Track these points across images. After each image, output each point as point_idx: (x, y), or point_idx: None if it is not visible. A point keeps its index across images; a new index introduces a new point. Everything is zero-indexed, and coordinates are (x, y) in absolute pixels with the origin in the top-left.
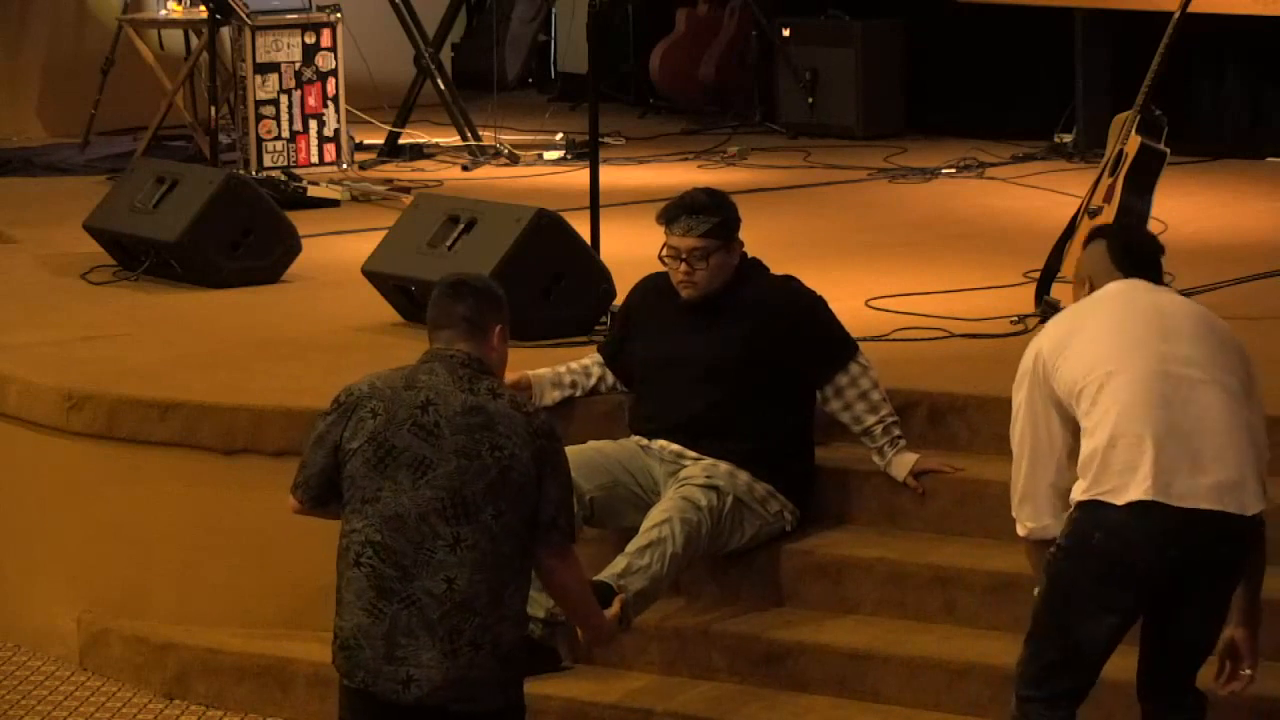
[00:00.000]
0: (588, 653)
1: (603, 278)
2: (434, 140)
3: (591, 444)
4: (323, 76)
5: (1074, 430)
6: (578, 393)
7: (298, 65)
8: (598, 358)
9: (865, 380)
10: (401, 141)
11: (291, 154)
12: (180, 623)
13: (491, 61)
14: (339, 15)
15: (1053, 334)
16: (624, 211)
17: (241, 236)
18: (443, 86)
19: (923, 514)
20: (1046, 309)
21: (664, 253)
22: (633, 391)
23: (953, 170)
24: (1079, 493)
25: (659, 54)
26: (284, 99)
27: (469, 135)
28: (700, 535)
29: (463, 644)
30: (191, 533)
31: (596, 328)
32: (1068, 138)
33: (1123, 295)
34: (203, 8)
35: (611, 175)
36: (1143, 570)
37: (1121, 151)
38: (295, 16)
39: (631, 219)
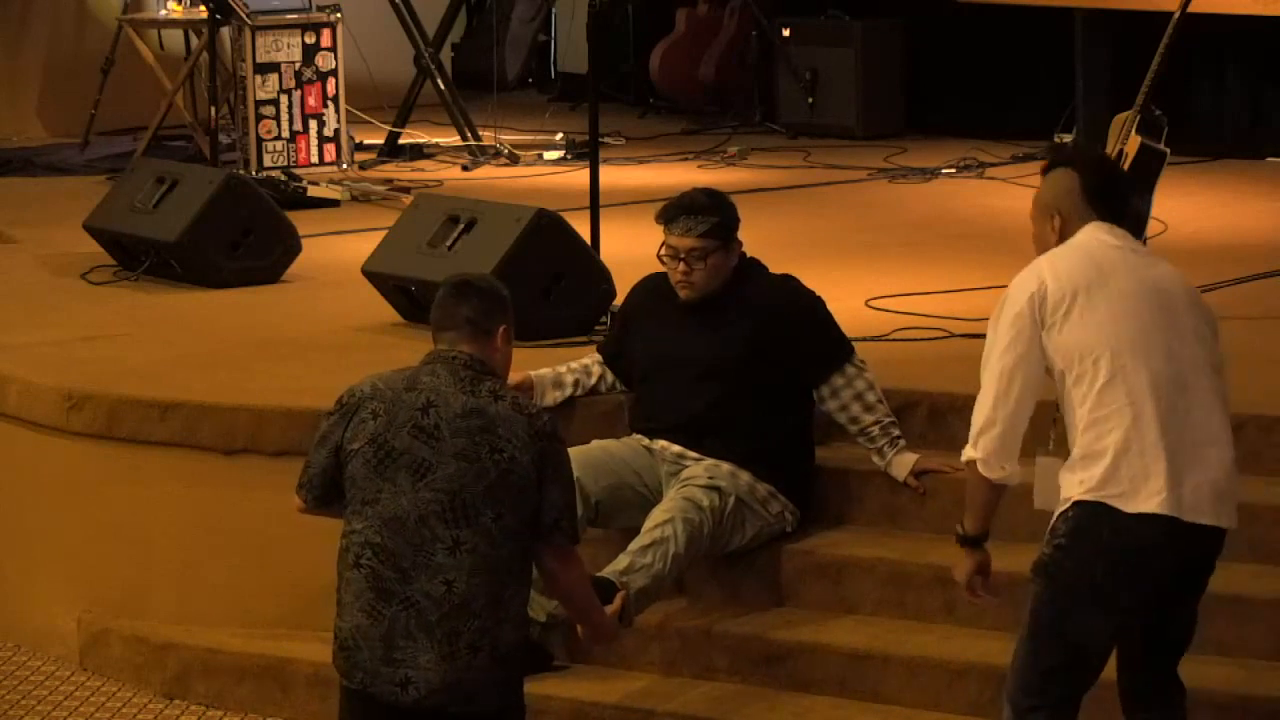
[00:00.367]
0: (588, 653)
1: (603, 278)
2: (434, 140)
3: (597, 443)
4: (323, 76)
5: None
6: (578, 392)
7: (298, 65)
8: (598, 357)
9: (860, 381)
10: (401, 141)
11: (291, 154)
12: (180, 623)
13: (491, 61)
14: (339, 15)
15: (1053, 286)
16: (624, 211)
17: (241, 236)
18: (443, 86)
19: (923, 514)
20: None
21: (662, 253)
22: (633, 391)
23: (953, 170)
24: (1079, 489)
25: (659, 54)
26: (284, 99)
27: (469, 135)
28: (702, 535)
29: (461, 646)
30: (191, 533)
31: (596, 328)
32: (1068, 138)
33: (1125, 268)
34: (203, 8)
35: (611, 175)
36: (1154, 574)
37: (1121, 151)
38: (295, 16)
39: (631, 219)
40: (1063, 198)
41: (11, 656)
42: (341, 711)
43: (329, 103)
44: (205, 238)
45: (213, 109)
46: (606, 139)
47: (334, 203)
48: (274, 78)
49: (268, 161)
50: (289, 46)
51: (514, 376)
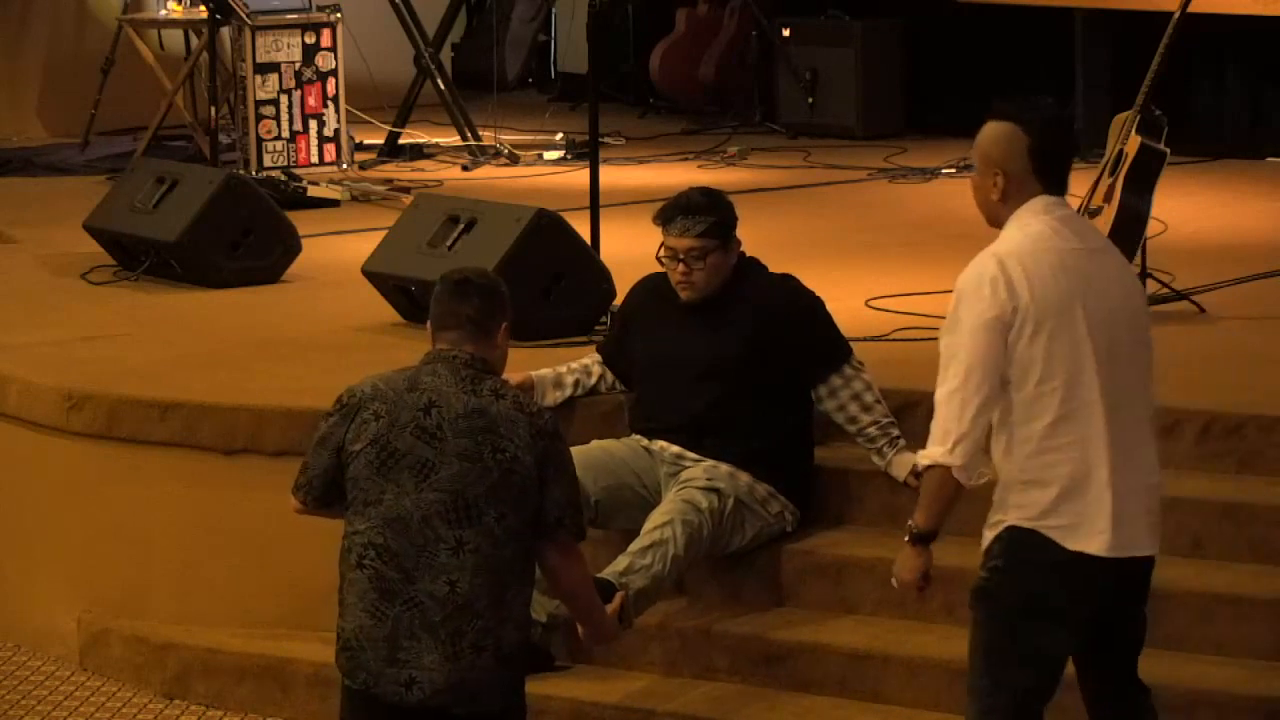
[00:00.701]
0: (589, 653)
1: (603, 278)
2: (434, 140)
3: (597, 443)
4: (323, 76)
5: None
6: (578, 392)
7: (298, 65)
8: (597, 357)
9: (858, 382)
10: (401, 141)
11: (291, 154)
12: (180, 623)
13: (491, 61)
14: (339, 15)
15: (1026, 300)
16: (624, 211)
17: (241, 236)
18: (443, 86)
19: None
20: None
21: (661, 254)
22: (633, 391)
23: (953, 170)
24: (1016, 513)
25: (659, 54)
26: (284, 99)
27: (469, 135)
28: (701, 537)
29: (465, 646)
30: (191, 533)
31: (596, 328)
32: None
33: (1093, 288)
34: (203, 8)
35: (611, 175)
36: (1090, 598)
37: (1121, 151)
38: (295, 16)
39: (631, 219)
40: (1009, 158)
41: (11, 656)
42: (343, 711)
43: (329, 103)
44: (205, 238)
45: (213, 109)
46: (606, 139)
47: (334, 203)
48: (274, 78)
49: (268, 161)
50: (289, 46)
51: (514, 377)
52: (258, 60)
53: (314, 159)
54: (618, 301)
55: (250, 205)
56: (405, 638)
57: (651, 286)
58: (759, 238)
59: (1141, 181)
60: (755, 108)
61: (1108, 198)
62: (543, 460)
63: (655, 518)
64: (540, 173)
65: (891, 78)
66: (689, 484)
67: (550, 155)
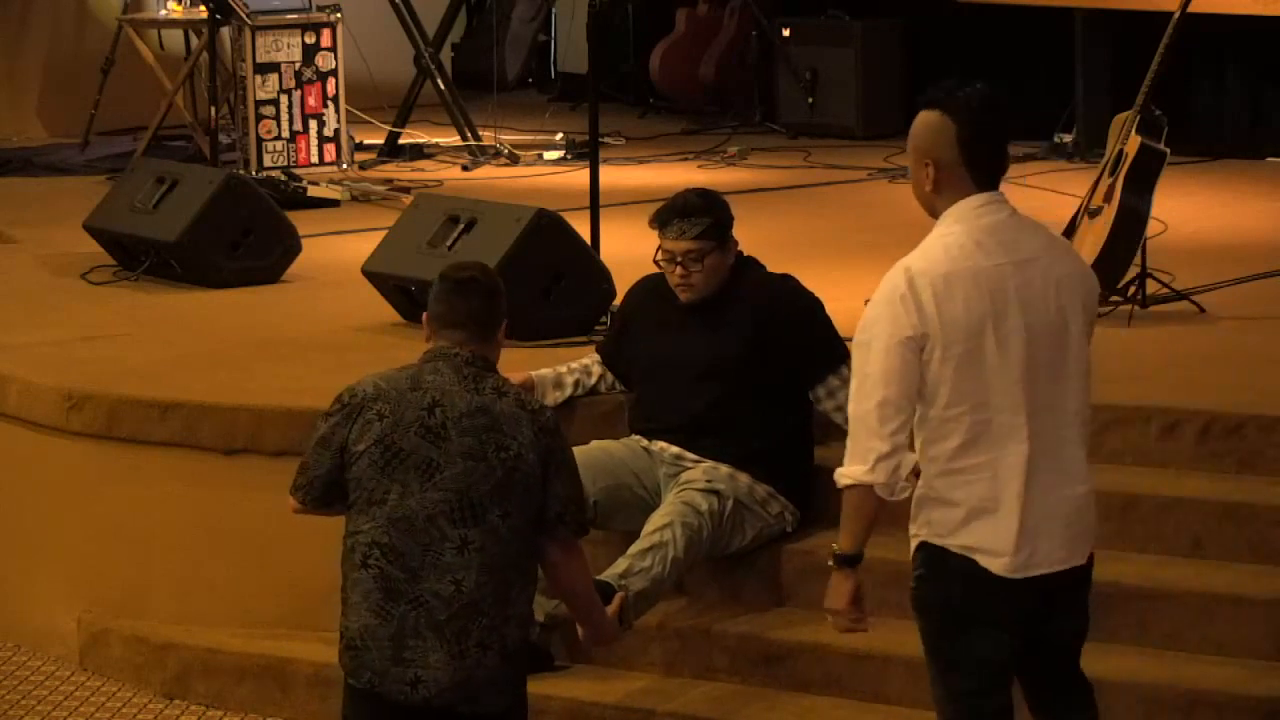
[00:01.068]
0: (588, 653)
1: (603, 278)
2: (434, 140)
3: (596, 444)
4: (323, 76)
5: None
6: (578, 392)
7: (298, 65)
8: (597, 357)
9: None
10: (401, 141)
11: (291, 154)
12: (180, 623)
13: (491, 61)
14: (339, 15)
15: (937, 325)
16: (624, 211)
17: (241, 236)
18: (443, 86)
19: None
20: None
21: (659, 256)
22: (632, 392)
23: None
24: (926, 530)
25: (659, 54)
26: (284, 99)
27: (469, 135)
28: (701, 539)
29: (470, 645)
30: (191, 533)
31: (596, 328)
32: (1068, 138)
33: (1017, 300)
34: (203, 8)
35: (611, 175)
36: (1010, 605)
37: (1121, 151)
38: (295, 16)
39: (631, 219)
40: (938, 148)
41: (11, 656)
42: (346, 710)
43: (329, 103)
44: (205, 238)
45: (213, 109)
46: (606, 139)
47: (334, 203)
48: (274, 78)
49: (268, 161)
50: (289, 46)
51: (515, 377)
52: (258, 60)
53: (314, 159)
54: (617, 301)
55: (250, 205)
56: (411, 637)
57: (650, 287)
58: (759, 238)
59: (1141, 181)
60: (755, 108)
61: (1108, 198)
62: (545, 458)
63: (655, 520)
64: (540, 173)
65: (891, 78)
66: (689, 485)
67: (550, 155)
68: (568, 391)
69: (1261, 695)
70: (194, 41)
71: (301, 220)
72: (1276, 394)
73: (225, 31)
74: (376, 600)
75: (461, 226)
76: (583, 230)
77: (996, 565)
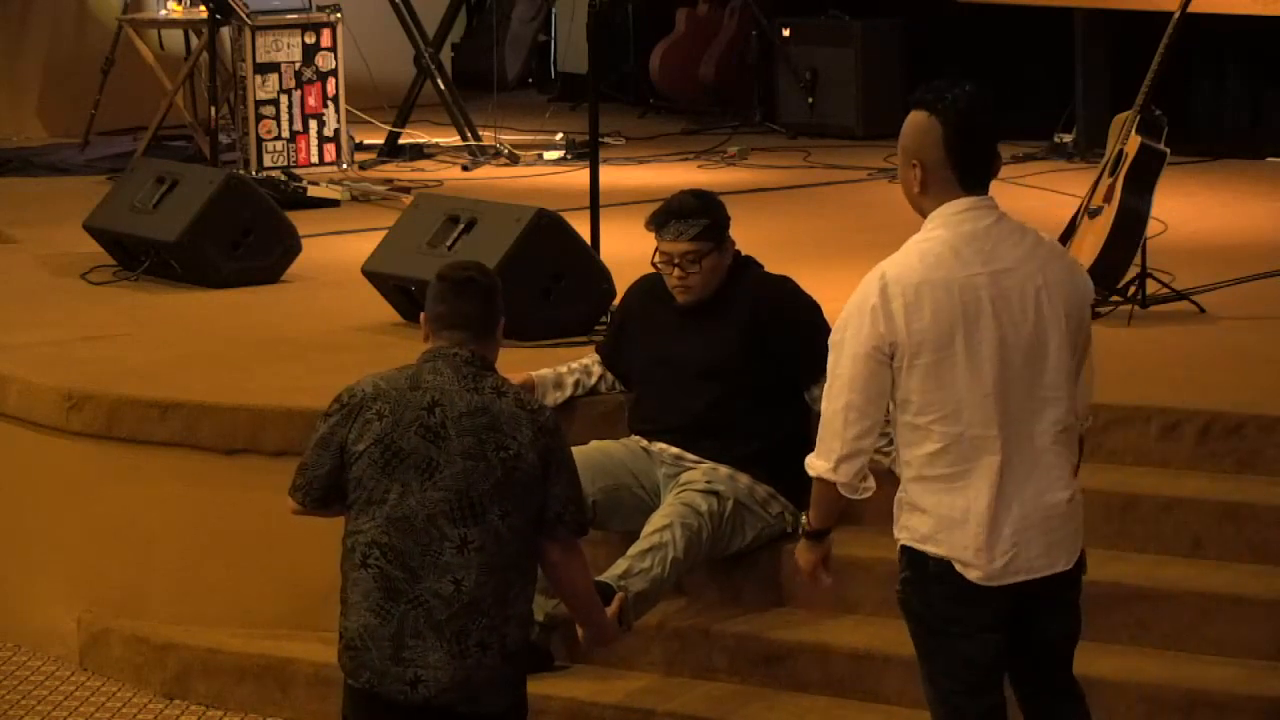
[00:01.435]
0: (588, 653)
1: (603, 278)
2: (434, 140)
3: (595, 444)
4: (323, 76)
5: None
6: (579, 393)
7: (298, 65)
8: (597, 357)
9: None
10: (401, 141)
11: (291, 154)
12: (180, 623)
13: (491, 61)
14: (339, 15)
15: (905, 334)
16: (624, 211)
17: (241, 236)
18: (443, 86)
19: None
20: None
21: (656, 258)
22: (631, 392)
23: None
24: (905, 535)
25: (659, 54)
26: (284, 99)
27: (469, 135)
28: (701, 540)
29: (470, 645)
30: (191, 533)
31: (596, 328)
32: (1068, 138)
33: (990, 312)
34: (203, 8)
35: (611, 175)
36: (989, 609)
37: (1121, 151)
38: (295, 16)
39: (631, 219)
40: (925, 148)
41: (11, 656)
42: (345, 710)
43: (329, 103)
44: (205, 238)
45: (213, 109)
46: (606, 139)
47: (334, 203)
48: (274, 78)
49: (268, 161)
50: (289, 46)
51: (515, 377)
52: (258, 60)
53: (314, 159)
54: (617, 301)
55: (250, 205)
56: (410, 636)
57: (648, 288)
58: (759, 238)
59: (1141, 181)
60: (755, 108)
61: (1108, 198)
62: (545, 457)
63: (654, 521)
64: (540, 173)
65: (891, 78)
66: (688, 486)
67: (550, 155)
68: (568, 392)
69: (1261, 695)
70: (194, 41)
71: (301, 220)
72: (1276, 394)
73: (225, 31)
74: (376, 600)
75: (461, 226)
76: (583, 230)
77: (971, 574)
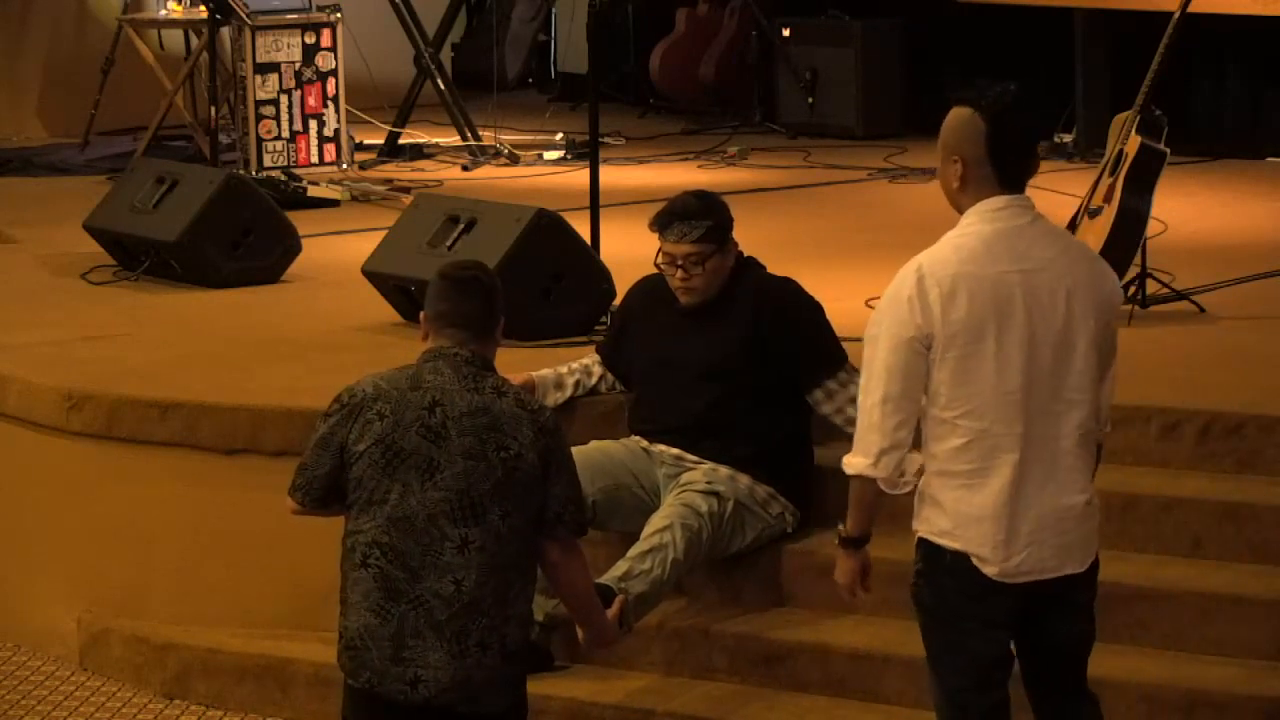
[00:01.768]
0: (588, 654)
1: (603, 278)
2: (434, 140)
3: (595, 444)
4: (323, 76)
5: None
6: (579, 393)
7: (298, 65)
8: (597, 357)
9: (854, 386)
10: (401, 141)
11: (291, 154)
12: (180, 623)
13: (491, 61)
14: (339, 15)
15: (942, 324)
16: (624, 211)
17: (241, 236)
18: (443, 86)
19: None
20: None
21: (659, 260)
22: (632, 392)
23: None
24: (924, 527)
25: (659, 54)
26: (284, 99)
27: (469, 135)
28: (701, 541)
29: (470, 645)
30: (191, 533)
31: (596, 328)
32: (1068, 138)
33: (1023, 308)
34: (203, 8)
35: (611, 175)
36: (1002, 606)
37: (1121, 151)
38: (295, 16)
39: (631, 219)
40: (966, 144)
41: (11, 656)
42: (345, 711)
43: (329, 103)
44: (205, 238)
45: (213, 109)
46: (606, 139)
47: (334, 203)
48: (274, 78)
49: (268, 161)
50: (289, 46)
51: (516, 378)
52: (258, 60)
53: (314, 159)
54: (617, 302)
55: (250, 205)
56: (410, 636)
57: (649, 288)
58: (759, 238)
59: (1141, 181)
60: (755, 108)
61: (1108, 198)
62: (545, 457)
63: (655, 522)
64: (540, 173)
65: (891, 78)
66: (688, 487)
67: (550, 155)
68: (568, 392)
69: (1261, 695)
70: (194, 41)
71: (301, 220)
72: (1276, 394)
73: (225, 31)
74: (376, 600)
75: (461, 226)
76: (583, 230)
77: (988, 570)
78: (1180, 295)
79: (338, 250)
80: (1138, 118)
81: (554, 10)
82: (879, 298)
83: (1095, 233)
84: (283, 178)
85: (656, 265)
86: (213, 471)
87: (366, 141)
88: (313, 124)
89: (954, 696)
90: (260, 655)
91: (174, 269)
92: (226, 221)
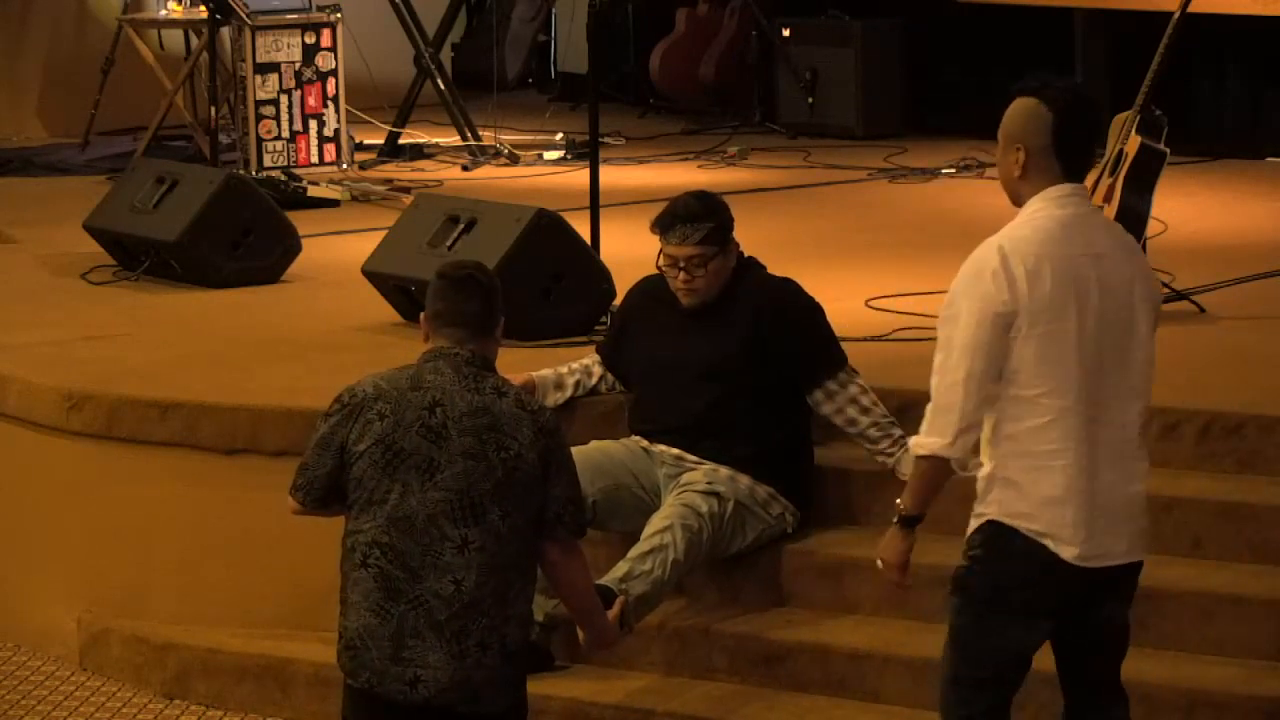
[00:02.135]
0: (588, 654)
1: (603, 278)
2: (434, 140)
3: (595, 444)
4: (323, 76)
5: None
6: (579, 393)
7: (298, 65)
8: (597, 357)
9: (854, 386)
10: (401, 141)
11: (291, 154)
12: (180, 623)
13: (491, 61)
14: (339, 15)
15: (1027, 301)
16: (624, 211)
17: (241, 236)
18: (443, 86)
19: None
20: None
21: (661, 262)
22: (632, 392)
23: (953, 170)
24: (996, 509)
25: (659, 54)
26: (284, 99)
27: (469, 135)
28: (701, 542)
29: (470, 645)
30: (191, 533)
31: (596, 328)
32: None
33: (1097, 289)
34: (203, 8)
35: (611, 175)
36: (1062, 593)
37: (1121, 151)
38: (295, 16)
39: (631, 219)
40: (1031, 134)
41: (11, 656)
42: (345, 711)
43: (329, 103)
44: (205, 238)
45: (213, 109)
46: (606, 139)
47: (334, 203)
48: (274, 78)
49: (268, 161)
50: (289, 46)
51: (516, 378)
52: (258, 60)
53: (314, 159)
54: (617, 301)
55: (250, 205)
56: (410, 636)
57: (649, 289)
58: (759, 238)
59: (1141, 181)
60: (755, 108)
61: (1108, 198)
62: (545, 458)
63: (655, 522)
64: (540, 173)
65: (891, 78)
66: (689, 488)
67: (550, 155)
68: (568, 392)
69: (1261, 695)
70: (194, 41)
71: (301, 220)
72: (1276, 394)
73: (225, 31)
74: (376, 600)
75: (461, 226)
76: (583, 230)
77: (1067, 552)
78: (1180, 295)
79: (338, 250)
80: (1138, 117)
81: (554, 10)
82: (879, 298)
83: None
84: (283, 178)
85: (658, 267)
86: (213, 471)
87: (366, 141)
88: (313, 124)
89: (976, 689)
90: (260, 655)
91: (174, 269)
92: (226, 221)
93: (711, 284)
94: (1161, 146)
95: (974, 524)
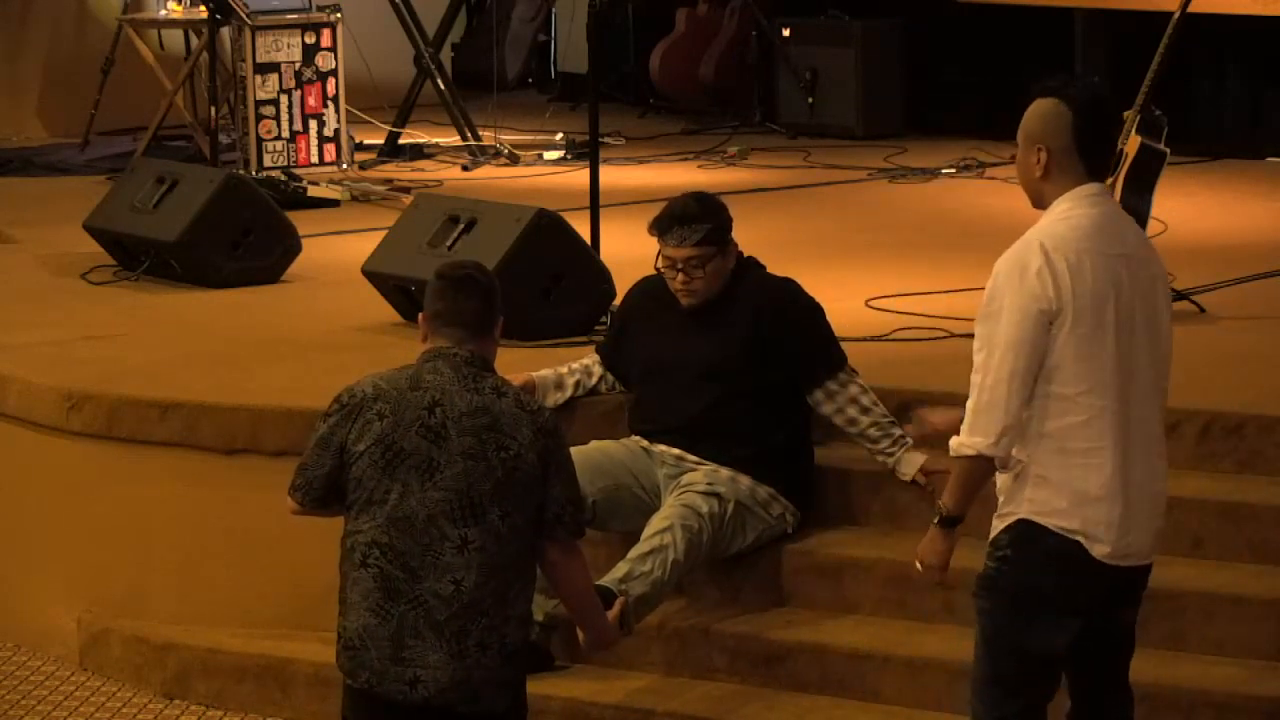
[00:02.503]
0: (588, 655)
1: (603, 278)
2: (434, 140)
3: (595, 444)
4: (323, 76)
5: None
6: (579, 393)
7: (298, 65)
8: (597, 357)
9: (854, 386)
10: (401, 141)
11: (291, 154)
12: (180, 623)
13: (491, 61)
14: (339, 15)
15: (1069, 298)
16: (624, 211)
17: (241, 236)
18: (443, 86)
19: (923, 514)
20: None
21: (660, 263)
22: (632, 392)
23: (953, 170)
24: (1028, 507)
25: (659, 54)
26: (284, 99)
27: (469, 135)
28: (701, 542)
29: (470, 645)
30: (191, 533)
31: (596, 328)
32: None
33: (1129, 286)
34: (203, 8)
35: (611, 175)
36: (1090, 591)
37: (1121, 151)
38: (295, 16)
39: (631, 219)
40: (1052, 134)
41: (11, 656)
42: (345, 710)
43: (329, 103)
44: (205, 238)
45: (213, 109)
46: (606, 139)
47: (334, 203)
48: (274, 78)
49: (268, 161)
50: (289, 46)
51: (516, 378)
52: (258, 60)
53: (314, 159)
54: (617, 302)
55: (250, 205)
56: (410, 636)
57: (648, 289)
58: (759, 238)
59: (1141, 181)
60: (755, 108)
61: None
62: (545, 457)
63: (655, 523)
64: (540, 173)
65: (891, 78)
66: (689, 488)
67: (550, 155)
68: (568, 393)
69: (1261, 695)
70: (194, 41)
71: (301, 220)
72: (1276, 394)
73: (225, 31)
74: (376, 600)
75: (461, 226)
76: (583, 230)
77: (1099, 550)
78: (1180, 295)
79: (338, 250)
80: (1138, 117)
81: (554, 10)
82: (879, 298)
83: None
84: (283, 178)
85: (657, 268)
86: (213, 471)
87: (366, 141)
88: (313, 124)
89: (1010, 691)
90: (260, 655)
91: (174, 269)
92: (226, 221)
93: (710, 285)
94: (1161, 146)
95: (999, 524)
